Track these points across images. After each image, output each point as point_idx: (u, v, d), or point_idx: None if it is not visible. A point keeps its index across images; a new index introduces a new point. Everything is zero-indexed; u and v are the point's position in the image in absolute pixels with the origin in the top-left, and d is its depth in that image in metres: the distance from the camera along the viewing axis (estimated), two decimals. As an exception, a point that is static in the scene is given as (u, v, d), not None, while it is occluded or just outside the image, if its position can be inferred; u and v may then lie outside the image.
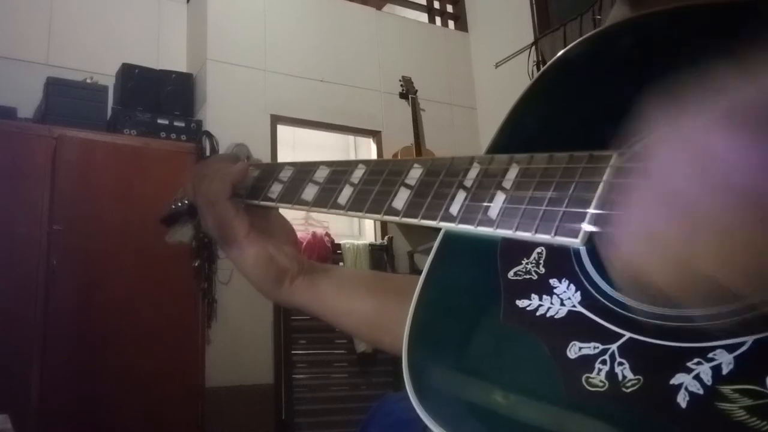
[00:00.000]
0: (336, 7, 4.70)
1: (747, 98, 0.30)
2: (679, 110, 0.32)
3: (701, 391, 0.34)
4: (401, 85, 4.39)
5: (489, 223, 0.45)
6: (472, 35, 5.29)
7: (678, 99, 0.33)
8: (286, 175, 0.67)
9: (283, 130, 4.22)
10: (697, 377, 0.34)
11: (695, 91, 0.32)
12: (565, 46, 0.54)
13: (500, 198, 0.46)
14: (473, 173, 0.49)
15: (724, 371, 0.34)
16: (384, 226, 4.24)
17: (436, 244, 0.52)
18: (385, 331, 0.70)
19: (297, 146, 4.37)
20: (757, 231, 0.28)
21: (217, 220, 0.68)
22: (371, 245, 4.08)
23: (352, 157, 4.69)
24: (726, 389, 0.33)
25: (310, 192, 0.63)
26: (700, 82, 0.33)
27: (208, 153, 3.71)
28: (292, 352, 3.77)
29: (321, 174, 0.63)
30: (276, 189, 0.67)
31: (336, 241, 3.95)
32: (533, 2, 4.54)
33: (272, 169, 0.69)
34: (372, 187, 0.57)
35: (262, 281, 0.71)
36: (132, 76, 3.79)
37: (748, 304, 0.33)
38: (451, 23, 5.42)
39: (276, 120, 4.16)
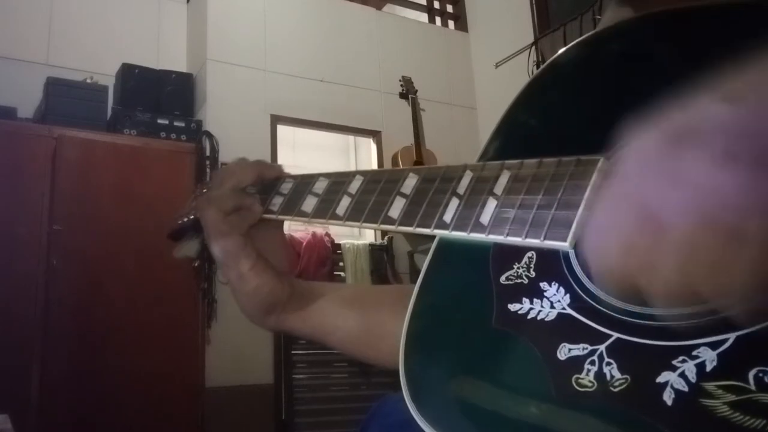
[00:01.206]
0: (336, 7, 4.70)
1: (729, 121, 0.30)
2: (659, 117, 0.33)
3: (686, 389, 0.34)
4: (401, 85, 4.39)
5: (481, 229, 0.46)
6: (472, 35, 5.29)
7: (660, 106, 0.33)
8: (286, 187, 0.68)
9: (283, 130, 4.22)
10: (682, 375, 0.35)
11: (677, 99, 0.32)
12: (565, 46, 0.55)
13: (492, 204, 0.47)
14: (466, 181, 0.50)
15: (708, 368, 0.34)
16: (384, 226, 4.23)
17: (431, 251, 0.53)
18: (368, 346, 0.71)
19: (297, 146, 4.37)
20: (719, 248, 0.28)
21: (225, 253, 0.69)
22: (371, 245, 4.09)
23: (352, 157, 4.69)
24: (710, 386, 0.34)
25: (309, 204, 0.65)
26: (685, 88, 0.33)
27: (208, 153, 3.72)
28: (292, 352, 3.77)
29: (320, 185, 0.65)
30: (277, 201, 0.68)
31: (336, 241, 3.95)
32: (533, 2, 4.54)
33: (272, 182, 0.70)
34: (369, 197, 0.58)
35: (252, 311, 0.72)
36: (132, 76, 3.79)
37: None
38: (451, 23, 5.42)
39: (276, 120, 4.17)
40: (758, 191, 0.27)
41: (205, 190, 0.74)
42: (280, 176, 0.70)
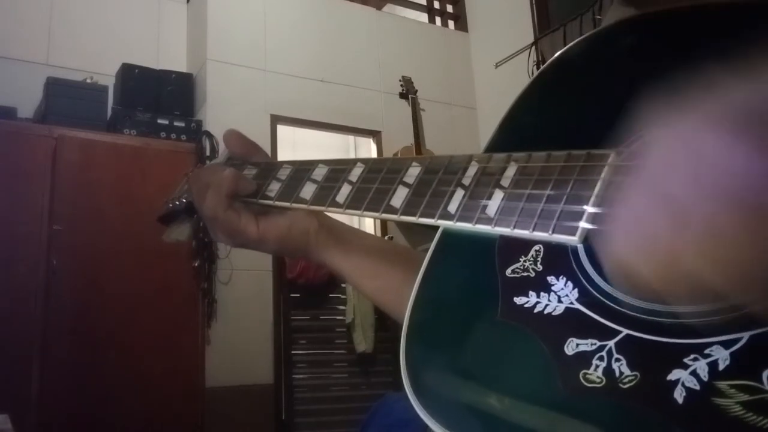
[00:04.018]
0: (336, 7, 4.70)
1: (743, 101, 0.30)
2: (675, 109, 0.33)
3: (698, 387, 0.34)
4: (401, 85, 4.39)
5: (487, 221, 0.45)
6: (472, 35, 5.29)
7: (674, 98, 0.33)
8: (284, 173, 0.67)
9: (283, 130, 4.22)
10: (694, 373, 0.34)
11: (692, 90, 0.32)
12: (565, 46, 0.54)
13: (498, 196, 0.46)
14: (471, 171, 0.49)
15: (721, 367, 0.34)
16: (384, 225, 4.24)
17: (434, 242, 0.52)
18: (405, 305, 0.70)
19: (297, 146, 4.37)
20: (745, 236, 0.28)
21: (225, 232, 0.68)
22: (371, 245, 4.08)
23: (351, 157, 4.68)
24: (722, 385, 0.33)
25: (308, 190, 0.63)
26: (696, 82, 0.33)
27: (208, 153, 3.71)
28: (292, 352, 3.77)
29: (319, 172, 0.63)
30: (274, 187, 0.67)
31: (336, 241, 3.94)
32: (533, 2, 4.54)
33: (270, 167, 0.69)
34: (370, 186, 0.56)
35: (290, 253, 0.73)
36: (132, 76, 3.79)
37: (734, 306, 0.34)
38: (451, 23, 5.42)
39: (276, 120, 4.16)
40: (757, 157, 0.27)
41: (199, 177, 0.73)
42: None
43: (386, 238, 4.16)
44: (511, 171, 0.46)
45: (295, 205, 0.63)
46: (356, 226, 3.48)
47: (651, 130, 0.34)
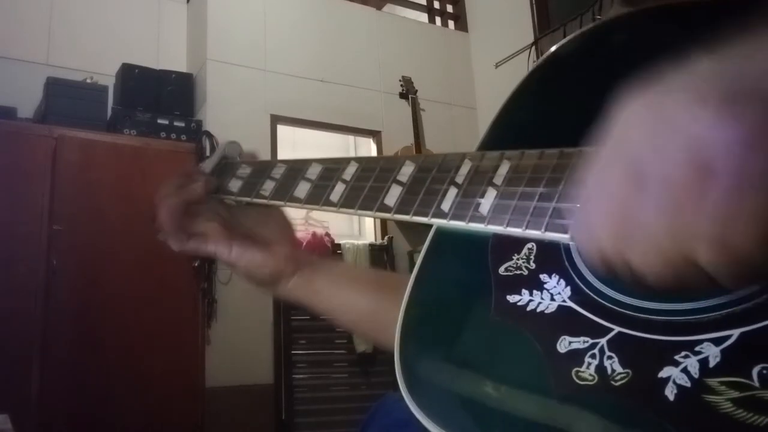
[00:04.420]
0: (336, 7, 4.70)
1: (713, 72, 0.30)
2: (645, 84, 0.33)
3: (689, 384, 0.34)
4: (401, 85, 4.39)
5: (480, 219, 0.45)
6: (472, 35, 5.29)
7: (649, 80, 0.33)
8: (278, 172, 0.67)
9: (283, 130, 4.22)
10: (685, 370, 0.34)
11: (665, 70, 0.33)
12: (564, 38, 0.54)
13: (491, 194, 0.46)
14: (464, 170, 0.49)
15: (711, 364, 0.34)
16: (384, 225, 4.24)
17: (427, 240, 0.52)
18: (380, 330, 0.70)
19: (297, 146, 4.37)
20: (704, 205, 0.28)
21: (203, 256, 0.72)
22: (371, 245, 4.08)
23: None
24: (713, 382, 0.33)
25: (302, 189, 0.63)
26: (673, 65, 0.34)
27: (208, 153, 3.71)
28: (292, 352, 3.76)
29: (313, 171, 0.63)
30: (268, 186, 0.67)
31: (336, 241, 3.95)
32: (533, 2, 4.54)
33: (264, 166, 0.69)
34: (364, 184, 0.57)
35: (257, 285, 0.74)
36: (132, 76, 3.79)
37: (736, 298, 0.34)
38: (451, 23, 5.42)
39: (276, 120, 4.16)
40: (723, 129, 0.28)
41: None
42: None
43: (386, 238, 4.16)
44: (503, 169, 0.46)
45: (289, 204, 0.64)
46: (356, 224, 3.46)
47: (620, 106, 0.34)
